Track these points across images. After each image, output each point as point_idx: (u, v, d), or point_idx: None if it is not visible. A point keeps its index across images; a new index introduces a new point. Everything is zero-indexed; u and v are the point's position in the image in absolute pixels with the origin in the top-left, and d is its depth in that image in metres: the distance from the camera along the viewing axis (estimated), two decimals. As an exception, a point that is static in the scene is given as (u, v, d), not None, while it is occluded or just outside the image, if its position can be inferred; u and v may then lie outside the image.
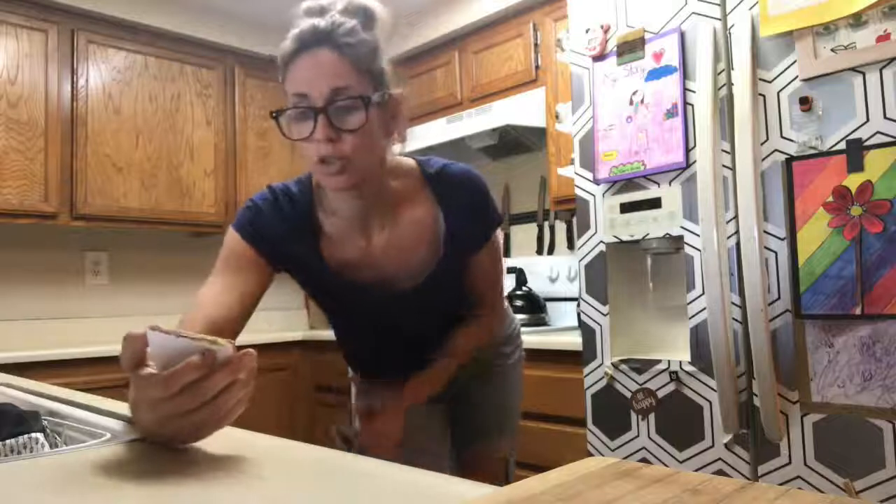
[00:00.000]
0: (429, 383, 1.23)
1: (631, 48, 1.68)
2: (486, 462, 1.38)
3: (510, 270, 2.99)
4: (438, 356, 1.26)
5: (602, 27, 1.74)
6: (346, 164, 1.00)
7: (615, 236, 1.71)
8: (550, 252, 3.08)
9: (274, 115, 1.03)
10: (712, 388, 1.51)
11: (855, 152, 1.32)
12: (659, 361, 1.62)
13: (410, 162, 1.17)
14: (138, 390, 0.66)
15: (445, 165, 1.17)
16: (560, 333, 2.53)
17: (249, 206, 1.12)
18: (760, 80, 1.46)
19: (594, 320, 1.75)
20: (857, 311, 1.31)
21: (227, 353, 0.65)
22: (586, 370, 1.77)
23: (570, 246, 2.99)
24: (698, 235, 1.53)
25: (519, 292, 2.91)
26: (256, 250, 1.09)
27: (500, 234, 1.28)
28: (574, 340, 2.12)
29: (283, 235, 1.11)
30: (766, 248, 1.43)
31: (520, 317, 2.82)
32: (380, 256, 1.14)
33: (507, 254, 3.23)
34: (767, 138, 1.45)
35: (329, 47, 0.98)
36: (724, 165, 1.51)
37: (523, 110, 2.78)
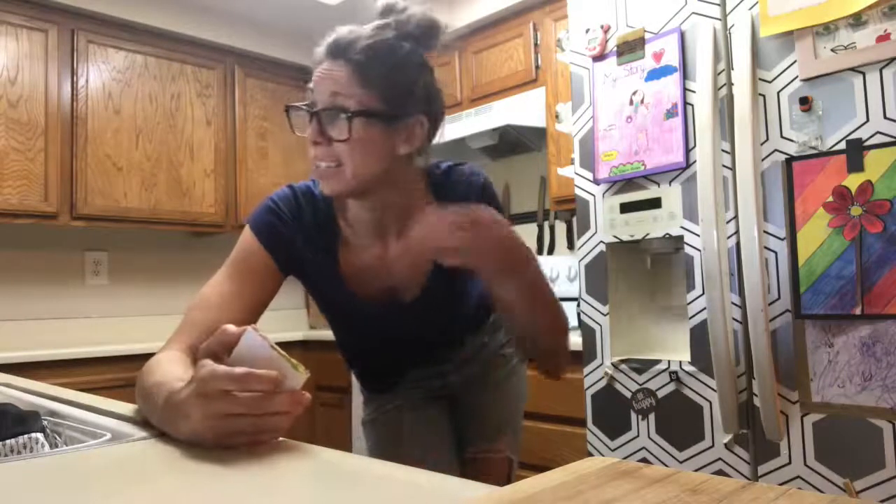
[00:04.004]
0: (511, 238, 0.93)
1: (631, 48, 1.68)
2: (490, 463, 1.38)
3: (510, 270, 2.98)
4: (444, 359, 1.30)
5: (602, 27, 1.74)
6: (335, 169, 1.00)
7: (615, 236, 1.71)
8: (550, 252, 3.08)
9: (286, 108, 1.07)
10: (712, 388, 1.51)
11: (855, 152, 1.32)
12: (659, 361, 1.62)
13: (421, 167, 1.17)
14: (204, 379, 0.68)
15: (452, 166, 1.16)
16: (560, 333, 2.52)
17: (270, 207, 1.09)
18: (760, 80, 1.46)
19: (594, 320, 1.75)
20: (857, 311, 1.31)
21: (296, 384, 0.70)
22: (586, 370, 1.77)
23: (570, 246, 3.00)
24: (698, 235, 1.52)
25: (519, 292, 2.90)
26: (272, 257, 1.06)
27: None
28: (574, 340, 2.12)
29: (301, 239, 1.09)
30: (766, 248, 1.43)
31: (520, 317, 2.82)
32: (393, 265, 1.13)
33: (507, 254, 3.23)
34: (767, 138, 1.45)
35: (344, 60, 1.00)
36: (724, 165, 1.51)
37: (523, 110, 2.78)
